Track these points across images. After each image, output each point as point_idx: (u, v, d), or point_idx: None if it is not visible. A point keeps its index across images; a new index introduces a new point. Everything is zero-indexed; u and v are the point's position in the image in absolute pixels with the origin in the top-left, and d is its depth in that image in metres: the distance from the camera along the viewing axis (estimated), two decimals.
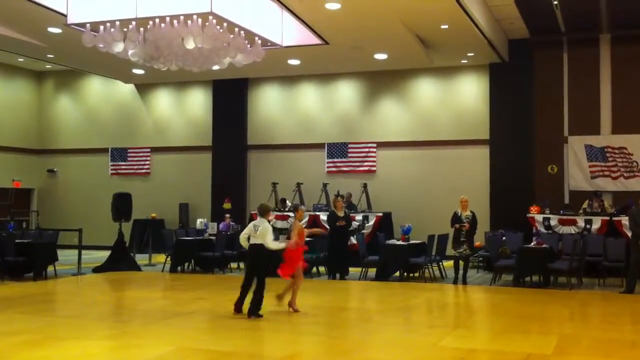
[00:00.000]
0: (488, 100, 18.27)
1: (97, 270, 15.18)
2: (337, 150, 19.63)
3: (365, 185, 18.23)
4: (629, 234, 12.82)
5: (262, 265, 9.37)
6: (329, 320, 9.21)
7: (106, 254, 16.02)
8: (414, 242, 14.35)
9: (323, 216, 16.51)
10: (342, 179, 19.27)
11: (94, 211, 20.88)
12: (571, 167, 17.59)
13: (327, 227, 14.78)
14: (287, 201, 18.13)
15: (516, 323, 9.28)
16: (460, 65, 18.47)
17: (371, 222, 16.76)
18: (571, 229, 15.15)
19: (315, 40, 15.51)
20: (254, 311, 9.10)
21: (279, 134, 20.37)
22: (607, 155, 17.32)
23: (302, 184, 18.32)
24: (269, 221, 9.48)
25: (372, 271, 14.17)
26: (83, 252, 15.23)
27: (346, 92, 19.86)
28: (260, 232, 9.22)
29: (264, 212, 9.49)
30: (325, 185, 18.25)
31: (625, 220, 14.01)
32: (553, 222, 15.44)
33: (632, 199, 14.24)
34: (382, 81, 19.33)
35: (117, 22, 12.20)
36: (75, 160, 22.55)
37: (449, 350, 7.40)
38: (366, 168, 19.36)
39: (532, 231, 15.11)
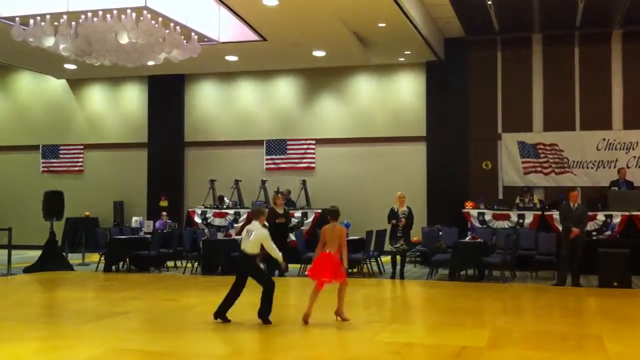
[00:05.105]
0: (424, 98, 18.53)
1: (27, 270, 14.73)
2: (276, 147, 19.57)
3: (304, 182, 18.22)
4: (560, 228, 13.18)
5: (255, 272, 8.67)
6: None
7: (37, 253, 15.53)
8: (352, 238, 14.37)
9: None
10: (281, 175, 19.23)
11: (24, 210, 20.19)
12: (505, 163, 18.00)
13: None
14: (226, 198, 17.98)
15: (451, 316, 9.42)
16: (397, 63, 18.65)
17: (310, 219, 16.79)
18: (505, 224, 15.52)
19: (252, 36, 15.42)
20: (263, 316, 8.54)
21: (216, 131, 20.17)
22: (539, 151, 17.79)
23: (240, 181, 18.17)
24: (264, 225, 8.72)
25: None
26: (13, 251, 14.69)
27: (285, 89, 19.81)
28: (256, 238, 8.53)
29: (257, 214, 8.78)
30: (263, 182, 18.15)
31: (556, 214, 14.41)
32: (487, 217, 15.78)
33: (562, 193, 14.64)
34: (320, 78, 19.36)
35: (48, 16, 11.89)
36: (4, 157, 21.80)
37: (385, 345, 7.46)
38: (305, 165, 19.36)
39: (467, 226, 15.43)
